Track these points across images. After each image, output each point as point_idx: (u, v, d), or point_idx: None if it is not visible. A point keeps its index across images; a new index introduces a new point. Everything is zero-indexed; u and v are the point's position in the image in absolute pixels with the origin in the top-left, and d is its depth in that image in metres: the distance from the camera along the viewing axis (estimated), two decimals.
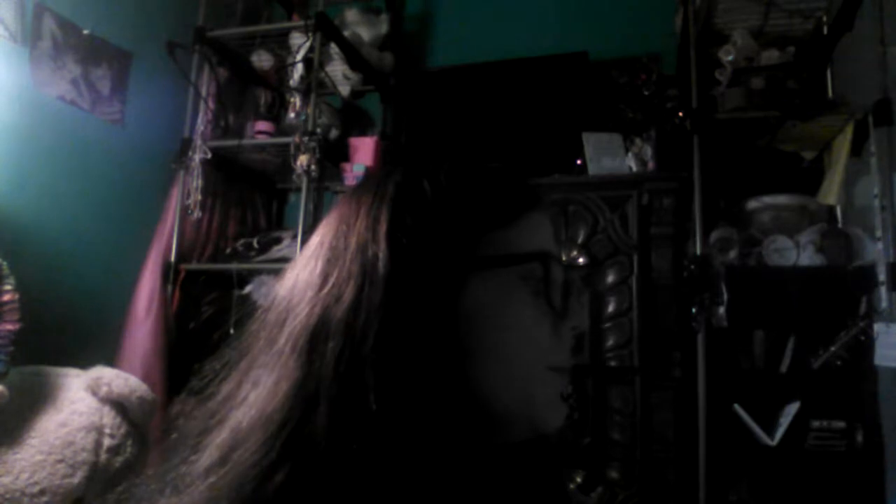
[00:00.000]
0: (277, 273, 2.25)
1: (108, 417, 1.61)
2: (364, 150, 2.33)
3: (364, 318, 0.45)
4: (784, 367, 1.89)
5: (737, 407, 1.87)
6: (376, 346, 0.44)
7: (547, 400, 0.50)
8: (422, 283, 0.47)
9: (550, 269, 0.51)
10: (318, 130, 2.27)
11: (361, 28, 2.59)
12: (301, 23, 2.37)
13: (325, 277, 0.48)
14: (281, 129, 2.50)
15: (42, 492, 1.45)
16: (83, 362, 1.74)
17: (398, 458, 0.43)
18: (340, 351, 0.44)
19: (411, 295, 0.46)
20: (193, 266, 2.41)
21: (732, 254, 1.92)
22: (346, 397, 0.43)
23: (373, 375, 0.43)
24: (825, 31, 2.05)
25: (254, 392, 0.46)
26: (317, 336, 0.45)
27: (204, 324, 2.38)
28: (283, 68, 2.51)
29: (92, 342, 2.01)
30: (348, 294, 0.46)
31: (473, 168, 0.53)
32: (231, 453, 0.44)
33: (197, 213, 2.38)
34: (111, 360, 2.03)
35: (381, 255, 0.46)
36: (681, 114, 2.03)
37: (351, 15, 2.62)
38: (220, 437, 0.46)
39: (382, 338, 0.44)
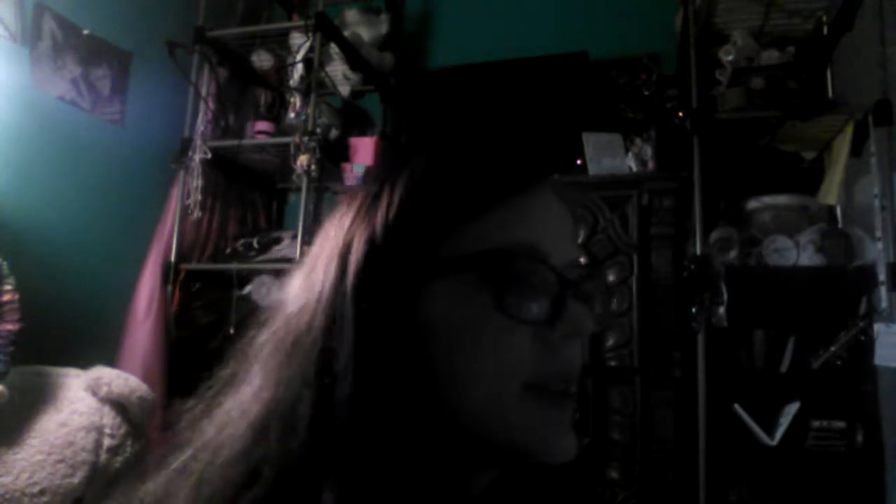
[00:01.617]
0: (277, 273, 2.26)
1: (108, 417, 1.61)
2: (364, 150, 2.34)
3: (337, 345, 0.42)
4: (784, 367, 1.89)
5: (737, 407, 1.87)
6: (349, 376, 0.41)
7: (529, 424, 0.42)
8: (388, 298, 0.42)
9: (524, 267, 0.43)
10: (318, 130, 2.27)
11: (361, 28, 2.59)
12: (301, 23, 2.37)
13: (307, 290, 0.45)
14: (281, 129, 2.50)
15: (42, 492, 1.45)
16: (83, 362, 1.74)
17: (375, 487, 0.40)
18: (314, 372, 0.42)
19: (381, 318, 0.42)
20: (193, 266, 2.41)
21: (732, 254, 1.92)
22: (319, 422, 0.41)
23: (346, 406, 0.40)
24: (825, 31, 2.05)
25: (233, 406, 0.44)
26: (292, 356, 0.43)
27: (202, 327, 2.38)
28: (283, 68, 2.51)
29: (92, 342, 2.01)
30: (318, 320, 0.43)
31: (452, 161, 0.48)
32: (207, 467, 0.42)
33: (197, 213, 2.38)
34: (111, 360, 2.03)
35: (350, 278, 0.43)
36: (681, 114, 2.03)
37: (351, 15, 2.62)
38: (197, 446, 0.44)
39: (356, 365, 0.41)
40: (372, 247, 0.43)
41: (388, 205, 0.45)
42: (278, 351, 0.44)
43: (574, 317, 0.43)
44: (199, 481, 0.42)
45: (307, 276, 0.46)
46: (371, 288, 0.43)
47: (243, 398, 0.44)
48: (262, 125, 2.51)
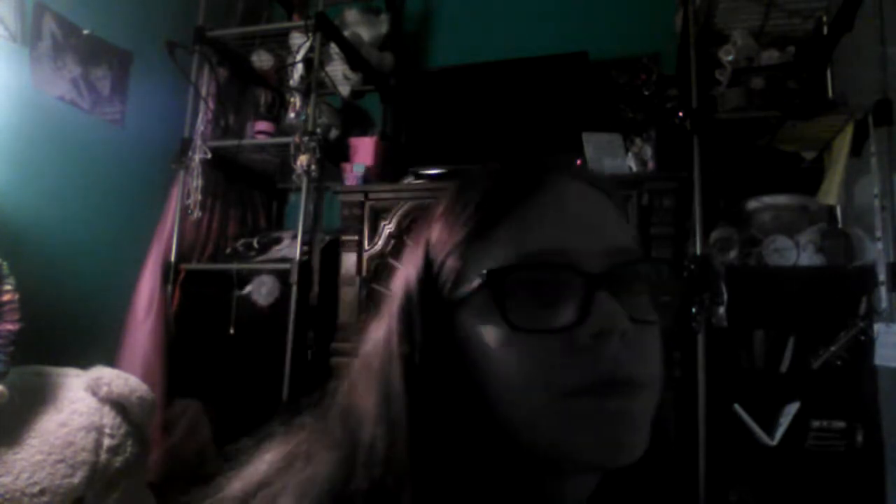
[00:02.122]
0: (277, 273, 2.25)
1: (108, 417, 1.61)
2: (364, 150, 2.34)
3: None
4: (784, 367, 1.88)
5: (737, 407, 1.87)
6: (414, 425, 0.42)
7: (572, 429, 0.42)
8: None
9: (525, 278, 0.43)
10: (318, 130, 2.27)
11: (361, 28, 2.59)
12: (301, 23, 2.37)
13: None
14: (281, 129, 2.50)
15: (42, 492, 1.45)
16: (83, 362, 1.74)
17: None
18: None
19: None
20: (193, 266, 2.41)
21: (732, 254, 1.92)
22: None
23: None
24: (825, 31, 2.05)
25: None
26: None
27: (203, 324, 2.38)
28: (283, 68, 2.51)
29: (92, 342, 2.01)
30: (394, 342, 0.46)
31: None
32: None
33: (197, 213, 2.38)
34: (111, 360, 2.03)
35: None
36: (681, 114, 2.03)
37: (351, 15, 2.62)
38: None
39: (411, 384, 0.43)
40: (417, 279, 0.47)
41: (426, 237, 0.48)
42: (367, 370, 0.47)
43: (601, 313, 0.42)
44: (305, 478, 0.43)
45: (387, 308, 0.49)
46: (421, 316, 0.45)
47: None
48: (262, 125, 2.52)
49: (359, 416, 0.44)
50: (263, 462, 0.47)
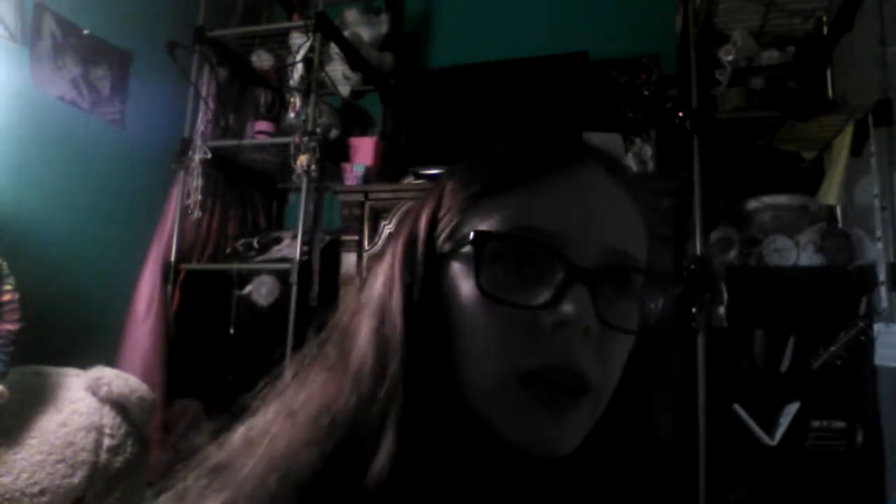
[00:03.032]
0: (277, 273, 2.25)
1: (108, 417, 1.61)
2: (364, 150, 2.34)
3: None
4: (784, 367, 1.89)
5: (737, 407, 1.87)
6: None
7: (514, 412, 0.42)
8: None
9: (509, 249, 0.43)
10: (318, 130, 2.27)
11: (361, 28, 2.59)
12: (301, 23, 2.37)
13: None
14: (281, 129, 2.50)
15: (42, 492, 1.45)
16: (83, 362, 1.74)
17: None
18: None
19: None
20: (193, 266, 2.41)
21: (732, 254, 1.92)
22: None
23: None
24: (825, 31, 2.05)
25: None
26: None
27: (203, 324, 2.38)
28: (283, 68, 2.51)
29: (92, 342, 2.01)
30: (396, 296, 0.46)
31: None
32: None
33: (197, 213, 2.38)
34: (111, 360, 2.03)
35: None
36: (681, 114, 2.03)
37: (351, 15, 2.62)
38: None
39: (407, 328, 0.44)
40: (425, 223, 0.48)
41: (429, 202, 0.49)
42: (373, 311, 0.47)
43: (571, 305, 0.41)
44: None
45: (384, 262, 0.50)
46: (413, 266, 0.46)
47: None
48: (262, 125, 2.52)
49: (355, 339, 0.46)
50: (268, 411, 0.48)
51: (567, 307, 0.41)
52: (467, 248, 0.44)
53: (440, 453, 0.42)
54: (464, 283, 0.44)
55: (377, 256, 0.51)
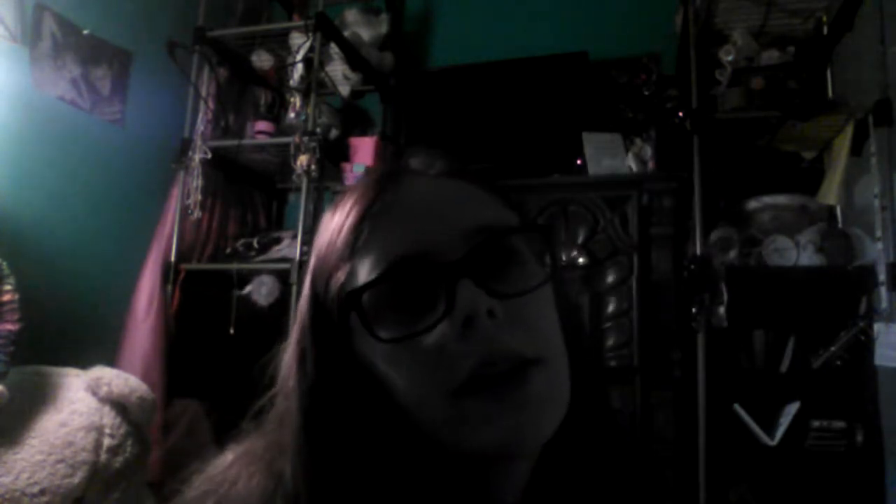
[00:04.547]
0: (277, 273, 2.25)
1: (108, 417, 1.61)
2: (364, 150, 2.34)
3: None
4: (784, 367, 1.89)
5: (737, 407, 1.87)
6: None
7: (467, 420, 0.41)
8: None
9: (400, 278, 0.43)
10: (318, 130, 2.27)
11: (361, 28, 2.59)
12: (301, 23, 2.37)
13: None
14: (281, 129, 2.50)
15: (42, 492, 1.45)
16: (83, 362, 1.74)
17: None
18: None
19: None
20: (193, 266, 2.41)
21: (732, 254, 1.92)
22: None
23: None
24: (825, 31, 2.05)
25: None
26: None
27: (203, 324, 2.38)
28: (283, 68, 2.51)
29: (92, 342, 2.01)
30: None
31: None
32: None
33: (197, 213, 2.38)
34: (111, 360, 2.03)
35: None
36: (681, 114, 2.03)
37: (351, 15, 2.62)
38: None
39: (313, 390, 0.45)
40: (307, 309, 0.48)
41: (310, 265, 0.50)
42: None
43: (462, 300, 0.41)
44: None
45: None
46: (313, 346, 0.46)
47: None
48: (262, 125, 2.51)
49: (279, 442, 0.46)
50: (204, 479, 0.47)
51: (460, 304, 0.41)
52: (352, 314, 0.44)
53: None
54: (367, 344, 0.44)
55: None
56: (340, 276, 0.45)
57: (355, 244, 0.45)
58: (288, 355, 0.48)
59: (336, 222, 0.47)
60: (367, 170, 0.46)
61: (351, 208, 0.47)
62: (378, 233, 0.45)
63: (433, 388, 0.42)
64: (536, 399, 0.41)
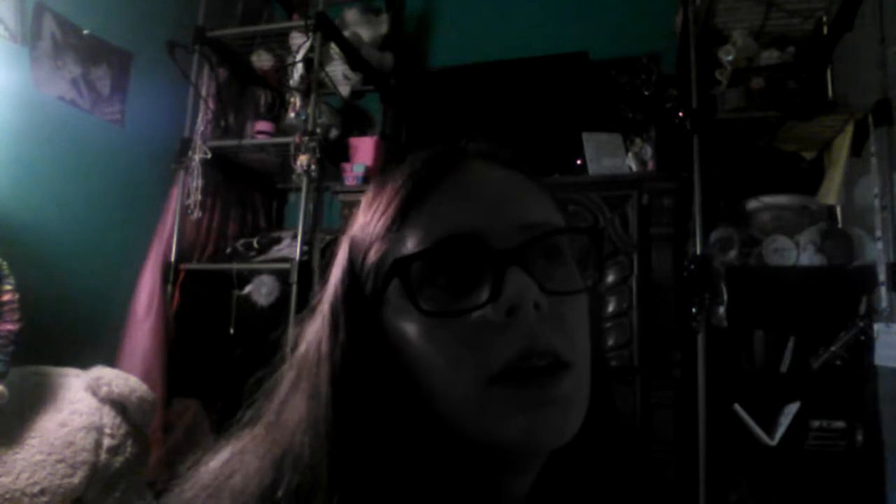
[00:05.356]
0: (277, 273, 2.25)
1: (108, 417, 1.61)
2: (364, 150, 2.34)
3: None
4: (784, 367, 1.89)
5: (737, 407, 1.87)
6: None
7: (499, 413, 0.41)
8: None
9: (450, 255, 0.43)
10: (318, 130, 2.27)
11: (361, 28, 2.59)
12: (301, 23, 2.37)
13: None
14: (281, 129, 2.50)
15: (42, 492, 1.45)
16: (83, 362, 1.74)
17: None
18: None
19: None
20: (193, 266, 2.41)
21: (732, 254, 1.92)
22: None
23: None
24: (825, 31, 2.05)
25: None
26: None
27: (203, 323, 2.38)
28: (283, 68, 2.51)
29: (92, 342, 2.01)
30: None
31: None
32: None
33: (197, 213, 2.38)
34: (111, 360, 2.03)
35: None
36: (681, 114, 2.03)
37: (351, 15, 2.62)
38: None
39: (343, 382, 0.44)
40: (341, 279, 0.47)
41: (349, 235, 0.49)
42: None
43: (512, 288, 0.41)
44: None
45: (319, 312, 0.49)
46: (346, 317, 0.45)
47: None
48: (262, 125, 2.52)
49: (287, 422, 0.44)
50: (206, 471, 0.46)
51: (509, 291, 0.41)
52: (394, 283, 0.43)
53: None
54: (404, 317, 0.43)
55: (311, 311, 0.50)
56: (385, 244, 0.45)
57: (406, 215, 0.45)
58: (315, 325, 0.47)
59: (386, 194, 0.47)
60: (421, 151, 0.46)
61: (404, 181, 0.46)
62: (433, 207, 0.44)
63: (468, 370, 0.41)
64: (564, 401, 0.42)
